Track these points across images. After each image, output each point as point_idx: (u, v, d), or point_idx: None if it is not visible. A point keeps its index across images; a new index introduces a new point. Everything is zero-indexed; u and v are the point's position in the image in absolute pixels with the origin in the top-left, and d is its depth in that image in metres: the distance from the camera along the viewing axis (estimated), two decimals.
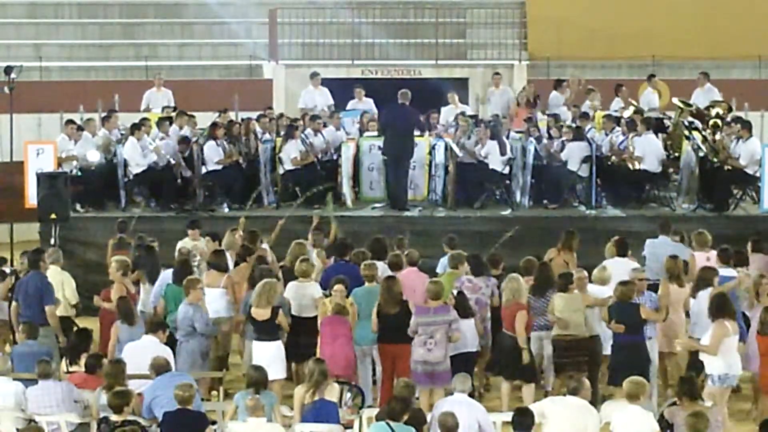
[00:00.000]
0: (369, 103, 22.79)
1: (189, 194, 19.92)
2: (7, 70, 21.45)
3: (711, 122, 20.63)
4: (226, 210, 19.63)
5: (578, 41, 27.83)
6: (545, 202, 20.10)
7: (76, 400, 12.04)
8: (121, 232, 17.24)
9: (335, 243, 16.30)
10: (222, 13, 28.57)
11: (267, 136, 20.80)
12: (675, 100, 21.70)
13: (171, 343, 13.32)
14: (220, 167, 19.69)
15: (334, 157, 20.36)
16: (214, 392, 13.94)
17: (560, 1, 28.71)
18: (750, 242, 16.05)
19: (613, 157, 20.02)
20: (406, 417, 10.85)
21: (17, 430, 11.73)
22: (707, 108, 21.21)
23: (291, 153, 19.88)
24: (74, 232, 18.99)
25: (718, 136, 20.17)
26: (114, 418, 11.23)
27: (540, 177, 20.17)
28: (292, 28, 27.68)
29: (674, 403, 11.50)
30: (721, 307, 12.99)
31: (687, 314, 14.58)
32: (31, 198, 18.85)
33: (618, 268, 14.88)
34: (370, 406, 12.78)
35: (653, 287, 14.61)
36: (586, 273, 14.46)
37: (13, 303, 14.68)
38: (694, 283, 14.43)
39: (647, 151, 19.64)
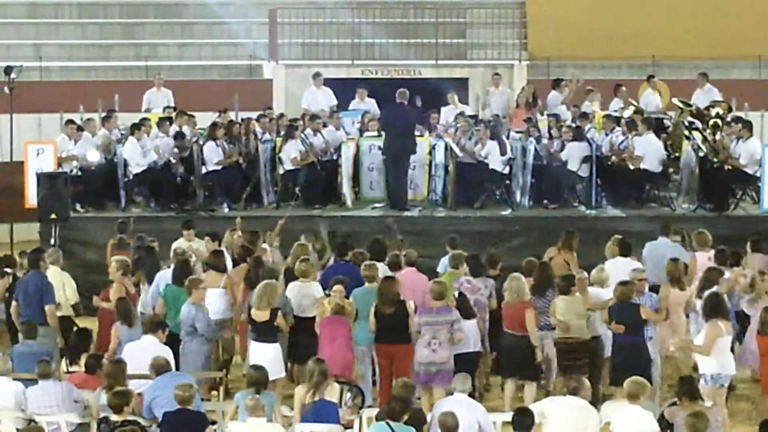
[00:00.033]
0: (371, 104, 22.78)
1: (189, 194, 19.94)
2: (7, 70, 21.52)
3: (711, 122, 20.63)
4: (226, 210, 19.64)
5: (578, 41, 27.83)
6: (545, 202, 20.11)
7: (76, 400, 12.04)
8: (121, 232, 17.25)
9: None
10: (222, 13, 28.57)
11: (267, 136, 20.80)
12: (675, 100, 21.70)
13: (171, 343, 13.32)
14: (219, 167, 19.70)
15: (334, 157, 20.37)
16: (214, 392, 13.95)
17: (560, 1, 28.70)
18: (750, 242, 16.07)
19: (613, 157, 20.02)
20: (406, 417, 10.85)
21: (17, 430, 11.74)
22: (707, 108, 21.20)
23: (291, 153, 19.89)
24: (74, 232, 18.99)
25: (718, 136, 20.18)
26: (114, 418, 11.24)
27: (540, 177, 20.17)
28: (292, 28, 27.67)
29: (674, 403, 11.51)
30: (714, 308, 13.03)
31: (688, 316, 14.63)
32: (31, 198, 18.87)
33: (619, 267, 14.90)
34: (370, 406, 12.78)
35: (653, 289, 14.61)
36: (586, 274, 14.48)
37: (13, 303, 14.68)
38: (699, 283, 14.44)
39: (647, 151, 19.64)
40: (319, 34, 27.85)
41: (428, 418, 11.33)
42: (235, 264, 15.64)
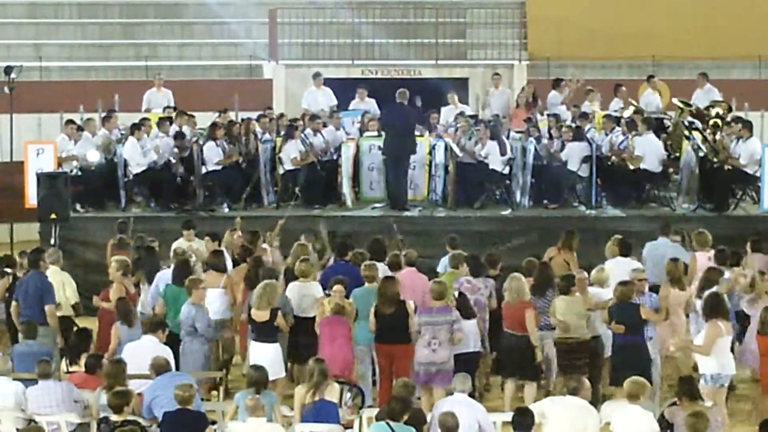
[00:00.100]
0: (371, 104, 22.77)
1: (189, 194, 19.95)
2: (7, 70, 21.52)
3: (711, 122, 20.63)
4: (226, 210, 19.64)
5: (578, 41, 27.83)
6: (545, 202, 20.10)
7: (76, 400, 12.04)
8: (121, 232, 17.24)
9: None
10: (222, 13, 28.56)
11: (267, 136, 20.80)
12: (675, 100, 21.70)
13: (171, 343, 13.32)
14: (219, 167, 19.70)
15: (334, 157, 20.37)
16: (214, 392, 13.95)
17: (560, 1, 28.71)
18: (750, 242, 16.07)
19: (613, 157, 20.02)
20: (406, 417, 10.85)
21: (17, 430, 11.74)
22: (707, 108, 21.20)
23: (291, 153, 19.89)
24: (74, 232, 18.98)
25: (718, 136, 20.17)
26: (114, 418, 11.24)
27: (540, 177, 20.17)
28: (292, 28, 27.67)
29: (674, 403, 11.51)
30: (714, 308, 13.03)
31: (688, 316, 14.63)
32: (31, 198, 18.87)
33: (619, 267, 14.89)
34: (370, 406, 12.78)
35: (653, 289, 14.61)
36: (586, 274, 14.48)
37: (13, 303, 14.68)
38: (699, 283, 14.45)
39: (647, 151, 19.64)
40: (319, 34, 27.85)
41: (428, 418, 11.32)
42: (235, 264, 15.65)
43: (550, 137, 20.66)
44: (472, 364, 13.80)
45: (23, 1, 29.04)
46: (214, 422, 11.86)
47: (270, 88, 27.00)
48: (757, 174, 19.36)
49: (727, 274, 14.62)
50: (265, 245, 16.38)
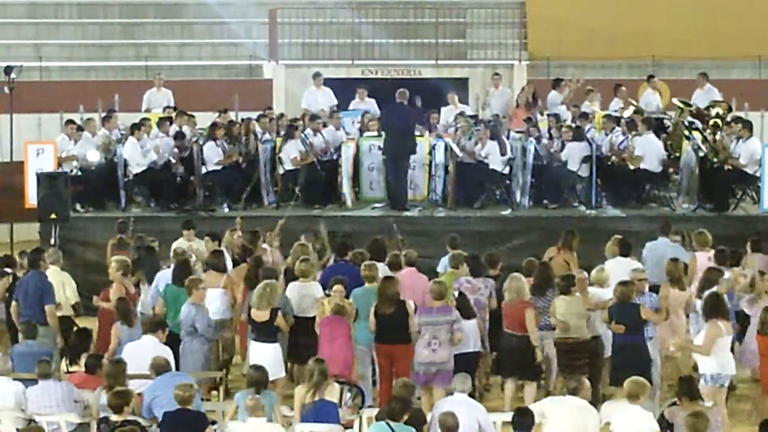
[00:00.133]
0: (371, 104, 22.77)
1: (189, 194, 19.95)
2: (7, 70, 21.51)
3: (711, 122, 20.63)
4: (226, 210, 19.64)
5: (578, 41, 27.83)
6: (545, 202, 20.11)
7: (76, 400, 12.04)
8: (121, 232, 17.25)
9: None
10: (222, 13, 28.57)
11: (267, 136, 20.80)
12: (675, 100, 21.71)
13: (171, 343, 13.32)
14: (219, 167, 19.70)
15: (334, 157, 20.37)
16: (214, 392, 13.95)
17: (560, 1, 28.71)
18: (750, 242, 16.06)
19: (613, 157, 20.02)
20: (406, 417, 10.85)
21: (17, 430, 11.74)
22: (707, 108, 21.20)
23: (291, 153, 19.89)
24: (74, 232, 18.99)
25: (718, 136, 20.17)
26: (114, 418, 11.24)
27: (540, 177, 20.18)
28: (292, 28, 27.67)
29: (674, 403, 11.51)
30: (714, 308, 13.04)
31: (688, 316, 14.63)
32: (31, 198, 18.87)
33: (619, 267, 14.89)
34: (370, 406, 12.78)
35: (653, 289, 14.61)
36: (586, 274, 14.48)
37: (13, 303, 14.68)
38: (699, 283, 14.45)
39: (647, 151, 19.64)
40: (319, 34, 27.85)
41: (428, 418, 11.33)
42: (235, 264, 15.66)
43: (550, 137, 20.66)
44: (472, 364, 13.80)
45: (23, 1, 29.05)
46: (214, 422, 11.86)
47: (270, 88, 27.00)
48: (757, 174, 19.37)
49: (727, 274, 14.61)
50: (265, 245, 16.37)
